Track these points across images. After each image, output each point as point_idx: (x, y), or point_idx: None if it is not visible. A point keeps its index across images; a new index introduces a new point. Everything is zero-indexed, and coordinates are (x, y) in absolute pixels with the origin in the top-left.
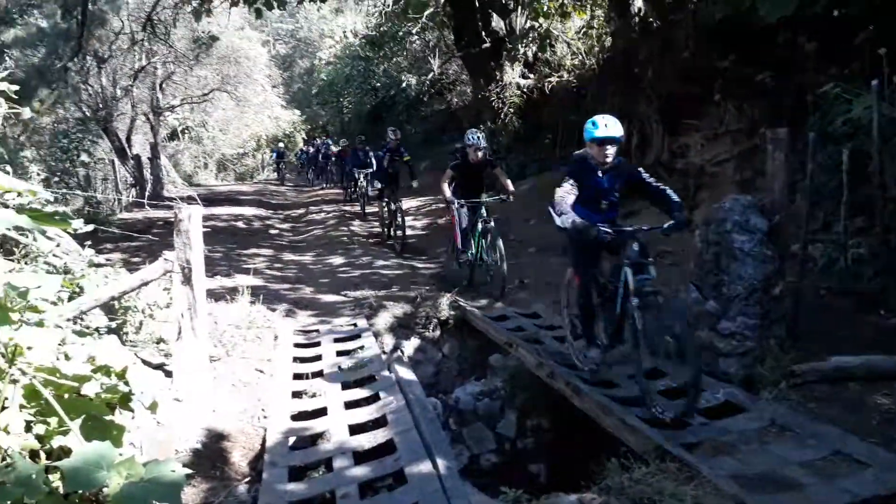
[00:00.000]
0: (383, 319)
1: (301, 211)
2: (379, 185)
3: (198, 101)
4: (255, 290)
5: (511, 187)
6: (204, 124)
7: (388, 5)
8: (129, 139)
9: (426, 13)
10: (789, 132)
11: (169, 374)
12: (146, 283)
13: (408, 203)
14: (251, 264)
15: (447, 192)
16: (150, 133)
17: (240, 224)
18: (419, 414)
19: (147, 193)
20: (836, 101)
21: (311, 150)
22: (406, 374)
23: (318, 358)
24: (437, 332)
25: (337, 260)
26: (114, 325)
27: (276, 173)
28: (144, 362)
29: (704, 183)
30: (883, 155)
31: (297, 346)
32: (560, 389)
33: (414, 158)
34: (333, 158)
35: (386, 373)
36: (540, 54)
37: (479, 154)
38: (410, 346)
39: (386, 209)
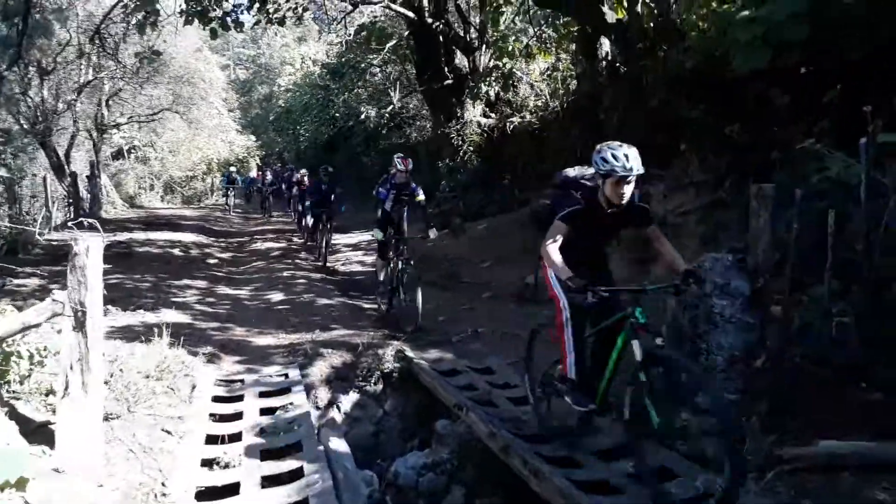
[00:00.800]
0: (319, 370)
1: (244, 239)
2: (379, 235)
3: (146, 121)
4: (180, 329)
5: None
6: (152, 144)
7: (351, 35)
8: (67, 155)
9: (389, 45)
10: (775, 189)
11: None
12: (28, 329)
13: (357, 238)
14: (181, 297)
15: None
16: (92, 150)
17: (176, 251)
18: (347, 500)
19: (82, 213)
20: (808, 158)
21: (269, 176)
22: (337, 443)
23: (238, 416)
24: (380, 386)
25: (276, 296)
26: None
27: (224, 199)
28: (21, 421)
29: (667, 233)
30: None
31: (217, 399)
32: (516, 469)
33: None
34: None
35: (314, 440)
36: (503, 94)
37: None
38: (348, 401)
39: (390, 266)
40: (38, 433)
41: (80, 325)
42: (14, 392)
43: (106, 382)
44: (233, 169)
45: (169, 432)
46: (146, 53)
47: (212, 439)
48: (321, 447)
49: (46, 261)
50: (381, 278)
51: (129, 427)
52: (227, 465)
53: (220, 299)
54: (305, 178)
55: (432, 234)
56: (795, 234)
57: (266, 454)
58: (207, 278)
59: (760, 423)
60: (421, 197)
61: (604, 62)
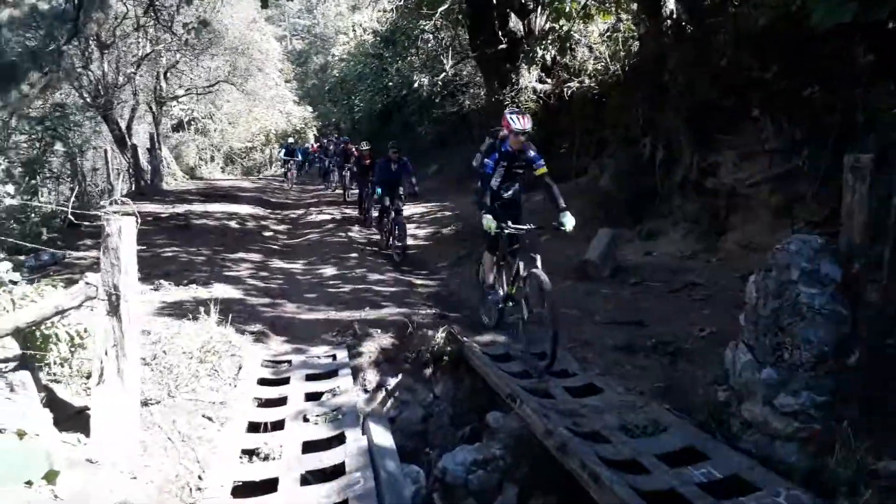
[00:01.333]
0: (368, 351)
1: (301, 212)
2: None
3: (203, 93)
4: (230, 305)
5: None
6: (211, 116)
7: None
8: (129, 128)
9: (441, 9)
10: (873, 160)
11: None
12: (62, 312)
13: (410, 210)
14: (234, 271)
15: None
16: (153, 123)
17: (233, 224)
18: (389, 502)
19: (143, 184)
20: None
21: (332, 146)
22: (381, 437)
23: (283, 401)
24: (430, 370)
25: (328, 271)
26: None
27: (283, 170)
28: (59, 406)
29: (737, 205)
30: None
31: (262, 382)
32: (573, 471)
33: (424, 161)
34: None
35: (358, 433)
36: (559, 58)
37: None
38: (397, 384)
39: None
40: (76, 419)
41: (114, 310)
42: (54, 375)
43: (147, 364)
44: (291, 140)
45: (210, 419)
46: (194, 24)
47: (254, 426)
48: (365, 440)
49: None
50: (490, 282)
51: (168, 413)
52: (266, 457)
53: (273, 273)
54: (366, 152)
55: (568, 222)
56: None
57: (308, 445)
58: (262, 251)
59: (853, 430)
60: (543, 169)
61: (668, 21)
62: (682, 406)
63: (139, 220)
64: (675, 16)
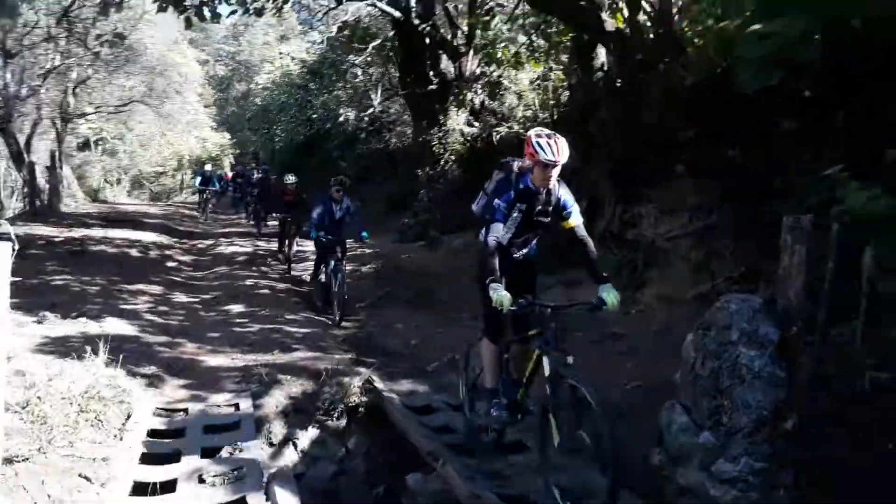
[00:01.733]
0: (275, 400)
1: (209, 242)
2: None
3: (115, 112)
4: (123, 342)
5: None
6: (122, 137)
7: (334, 32)
8: (28, 144)
9: (373, 45)
10: (812, 222)
11: None
12: None
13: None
14: (131, 304)
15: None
16: (56, 140)
17: (134, 252)
18: None
19: (39, 205)
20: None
21: (256, 175)
22: (287, 502)
23: (176, 456)
24: (343, 421)
25: (236, 307)
26: None
27: (197, 199)
28: None
29: (656, 258)
30: None
31: (154, 434)
32: None
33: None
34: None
35: (261, 497)
36: (488, 102)
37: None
38: (306, 437)
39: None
40: None
41: None
42: None
43: (17, 412)
44: (209, 168)
45: (88, 479)
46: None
47: (140, 488)
48: None
49: None
50: (491, 385)
51: (38, 473)
52: None
53: (173, 308)
54: (292, 188)
55: (612, 298)
56: (831, 274)
57: None
58: (164, 283)
59: (788, 498)
60: (577, 220)
61: (599, 73)
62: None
63: (16, 246)
64: (606, 69)
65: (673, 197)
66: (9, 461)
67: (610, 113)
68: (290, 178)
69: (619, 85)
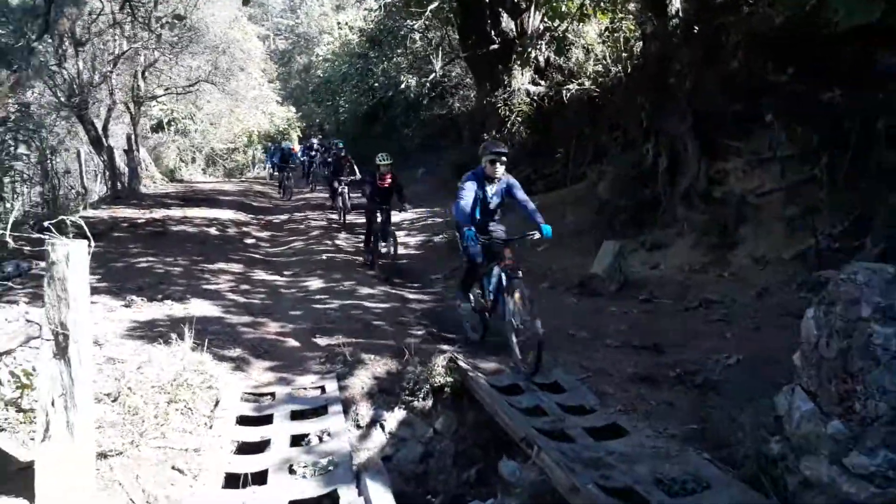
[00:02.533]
0: (360, 381)
1: (284, 217)
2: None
3: (183, 92)
4: (208, 324)
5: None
6: (192, 116)
7: None
8: (105, 128)
9: (430, 8)
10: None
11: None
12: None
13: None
14: (213, 283)
15: None
16: (131, 123)
17: (212, 230)
18: None
19: (120, 188)
20: None
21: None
22: (381, 498)
23: (265, 445)
24: (430, 401)
25: (314, 283)
26: None
27: (269, 174)
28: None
29: (747, 216)
30: None
31: (242, 420)
32: None
33: (411, 164)
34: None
35: (353, 492)
36: (554, 59)
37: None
38: (393, 419)
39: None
40: (22, 476)
41: (61, 352)
42: None
43: (110, 404)
44: (288, 144)
45: (181, 471)
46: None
47: (232, 479)
48: (361, 502)
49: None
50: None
51: (132, 466)
52: None
53: (255, 286)
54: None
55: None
56: None
57: None
58: (243, 261)
59: None
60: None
61: (675, 20)
62: (722, 455)
63: (92, 243)
64: (682, 15)
65: (762, 148)
66: (103, 455)
67: (688, 62)
68: (385, 159)
69: (696, 31)
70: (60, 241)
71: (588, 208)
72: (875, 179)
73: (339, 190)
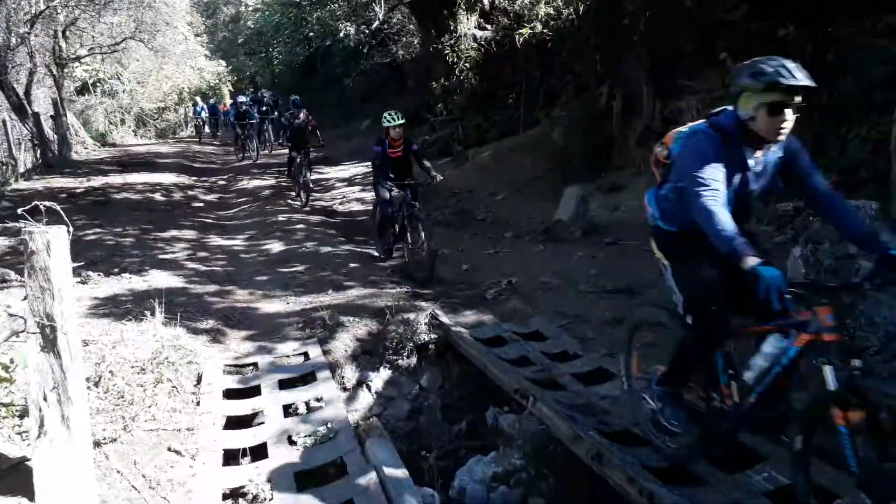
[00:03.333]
0: (343, 344)
1: (227, 177)
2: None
3: (108, 52)
4: (173, 296)
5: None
6: (118, 76)
7: None
8: (28, 94)
9: None
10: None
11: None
12: None
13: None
14: (169, 253)
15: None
16: (54, 87)
17: (157, 196)
18: None
19: (50, 155)
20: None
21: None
22: (391, 465)
23: (257, 418)
24: (413, 359)
25: (275, 246)
26: None
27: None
28: None
29: None
30: None
31: (229, 394)
32: (615, 484)
33: (353, 116)
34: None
35: (360, 458)
36: (500, 2)
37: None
38: (379, 379)
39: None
40: (13, 474)
41: (50, 345)
42: None
43: (92, 389)
44: (244, 98)
45: (178, 452)
46: None
47: (231, 455)
48: (372, 472)
49: (15, 216)
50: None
51: (128, 452)
52: (255, 499)
53: (213, 253)
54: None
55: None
56: None
57: (302, 478)
58: (195, 227)
59: None
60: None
61: None
62: None
63: (71, 229)
64: None
65: (715, 86)
66: (97, 444)
67: (642, 3)
68: (394, 119)
69: None
70: (38, 228)
71: (544, 154)
72: (826, 112)
73: (299, 161)
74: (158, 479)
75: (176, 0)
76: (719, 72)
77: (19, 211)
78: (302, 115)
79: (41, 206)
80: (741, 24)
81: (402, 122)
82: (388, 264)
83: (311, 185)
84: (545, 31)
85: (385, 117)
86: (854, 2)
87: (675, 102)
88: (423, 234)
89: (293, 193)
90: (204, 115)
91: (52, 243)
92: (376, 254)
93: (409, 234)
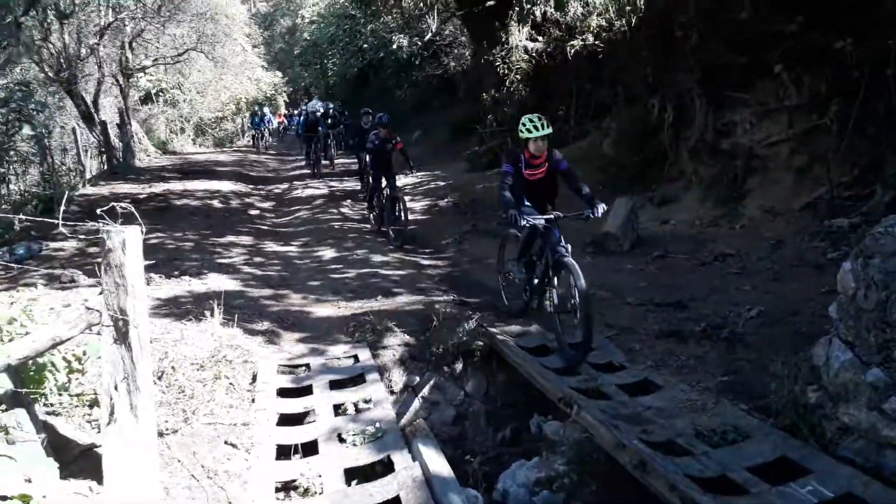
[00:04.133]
0: (391, 348)
1: (284, 186)
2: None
3: (171, 63)
4: (230, 299)
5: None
6: (180, 86)
7: None
8: (96, 103)
9: None
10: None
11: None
12: (58, 345)
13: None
14: (226, 257)
15: None
16: (120, 96)
17: (216, 203)
18: None
19: (115, 162)
20: None
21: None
22: (436, 463)
23: (309, 416)
24: (459, 366)
25: (327, 253)
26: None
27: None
28: (61, 445)
29: (755, 167)
30: None
31: (282, 392)
32: (657, 492)
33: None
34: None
35: (407, 457)
36: (551, 14)
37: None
38: (426, 383)
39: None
40: (83, 459)
41: (122, 338)
42: (52, 406)
43: (156, 383)
44: (315, 104)
45: (234, 445)
46: None
47: (283, 450)
48: (418, 468)
49: (83, 219)
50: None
51: (188, 444)
52: (307, 492)
53: (268, 258)
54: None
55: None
56: None
57: (351, 474)
58: (252, 233)
59: None
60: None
61: None
62: (757, 405)
63: (144, 229)
64: None
65: (768, 99)
66: (160, 434)
67: (695, 15)
68: (541, 125)
69: None
70: (115, 228)
71: (593, 165)
72: (884, 127)
73: (389, 193)
74: (216, 470)
75: (236, 12)
76: (773, 84)
77: (98, 211)
78: (383, 133)
79: (118, 208)
80: (797, 36)
81: (548, 131)
82: (436, 273)
83: (408, 221)
84: (596, 42)
85: (524, 125)
86: None
87: (728, 115)
88: (577, 286)
89: (369, 226)
90: (274, 124)
91: (127, 242)
92: (507, 304)
93: (555, 284)
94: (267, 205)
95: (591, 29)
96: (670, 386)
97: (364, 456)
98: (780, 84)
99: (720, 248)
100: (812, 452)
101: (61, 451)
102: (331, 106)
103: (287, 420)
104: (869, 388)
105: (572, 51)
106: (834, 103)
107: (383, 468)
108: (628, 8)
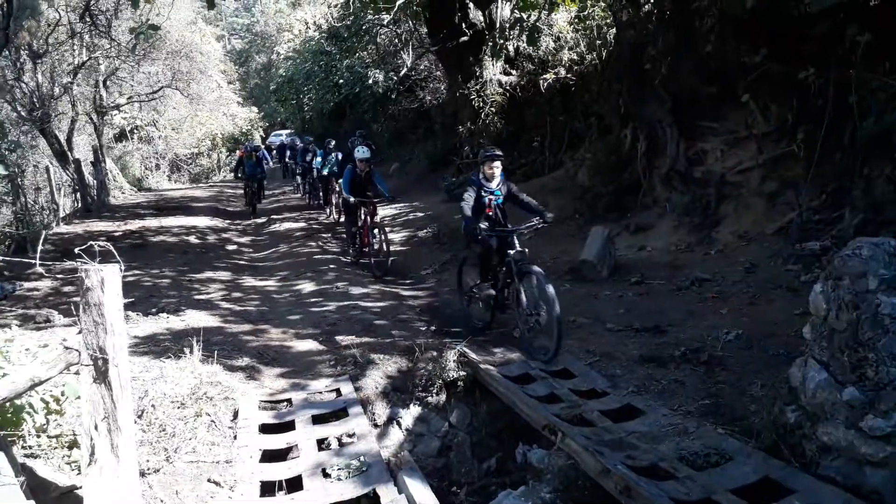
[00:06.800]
0: (373, 381)
1: (261, 221)
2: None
3: (146, 100)
4: (209, 335)
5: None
6: (155, 123)
7: None
8: (69, 141)
9: (399, 2)
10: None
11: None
12: (36, 385)
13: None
14: (204, 293)
15: None
16: (94, 134)
17: (192, 239)
18: None
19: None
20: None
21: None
22: (421, 494)
23: (292, 451)
24: (443, 396)
25: (306, 286)
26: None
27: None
28: (40, 487)
29: (727, 193)
30: None
31: (265, 429)
32: None
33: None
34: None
35: (393, 490)
36: (524, 48)
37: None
38: (409, 416)
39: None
40: (64, 501)
41: (101, 377)
42: (30, 448)
43: (135, 422)
44: (286, 134)
45: (217, 483)
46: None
47: (267, 487)
48: (404, 500)
49: (57, 258)
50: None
51: (170, 483)
52: None
53: (246, 293)
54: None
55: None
56: None
57: None
58: (230, 268)
59: None
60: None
61: (648, 5)
62: (739, 428)
63: (123, 267)
64: (655, 1)
65: (738, 127)
66: (142, 474)
67: (663, 48)
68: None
69: (669, 17)
70: (93, 266)
71: (568, 195)
72: (850, 152)
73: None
74: None
75: (211, 49)
76: (742, 113)
77: (76, 250)
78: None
79: (96, 246)
80: (762, 66)
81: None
82: (417, 304)
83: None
84: (569, 75)
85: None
86: (869, 46)
87: (699, 143)
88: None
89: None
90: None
91: (105, 280)
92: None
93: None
94: (244, 239)
95: (564, 63)
96: (652, 410)
97: (349, 490)
98: (749, 113)
99: (696, 273)
100: (794, 472)
101: (40, 493)
102: (309, 139)
103: (270, 456)
104: (845, 406)
105: (545, 84)
106: (801, 130)
107: (369, 502)
108: (598, 42)
